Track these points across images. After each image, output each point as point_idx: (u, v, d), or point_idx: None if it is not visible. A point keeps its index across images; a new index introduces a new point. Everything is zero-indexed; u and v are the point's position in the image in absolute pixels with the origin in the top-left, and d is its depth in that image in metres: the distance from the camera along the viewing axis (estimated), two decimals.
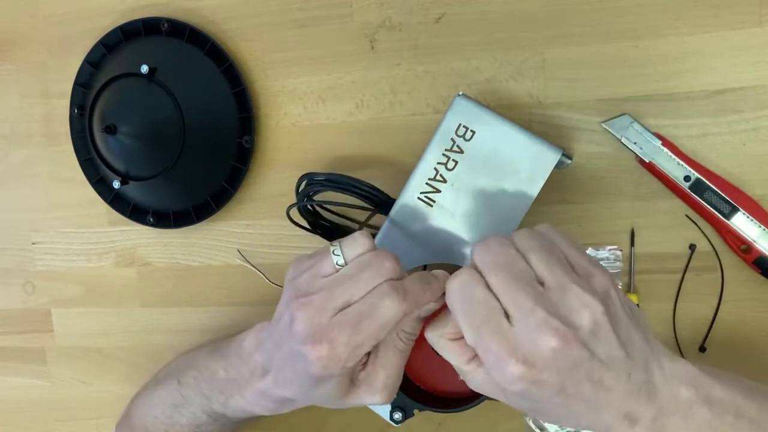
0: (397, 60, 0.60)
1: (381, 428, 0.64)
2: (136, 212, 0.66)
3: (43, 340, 0.73)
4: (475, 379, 0.41)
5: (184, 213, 0.65)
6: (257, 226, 0.65)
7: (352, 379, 0.44)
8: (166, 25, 0.63)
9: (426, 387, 0.57)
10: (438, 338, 0.42)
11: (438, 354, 0.43)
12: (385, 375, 0.44)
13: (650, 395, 0.39)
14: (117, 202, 0.67)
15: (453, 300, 0.39)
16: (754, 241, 0.53)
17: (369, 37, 0.60)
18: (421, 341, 0.44)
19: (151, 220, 0.66)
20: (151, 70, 0.61)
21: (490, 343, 0.37)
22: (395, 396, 0.46)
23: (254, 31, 0.63)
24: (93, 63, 0.65)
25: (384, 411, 0.47)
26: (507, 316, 0.37)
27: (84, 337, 0.72)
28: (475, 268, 0.39)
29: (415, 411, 0.51)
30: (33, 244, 0.72)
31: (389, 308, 0.41)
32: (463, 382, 0.43)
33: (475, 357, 0.40)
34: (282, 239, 0.64)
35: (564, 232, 0.41)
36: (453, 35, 0.58)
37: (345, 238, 0.44)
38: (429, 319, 0.43)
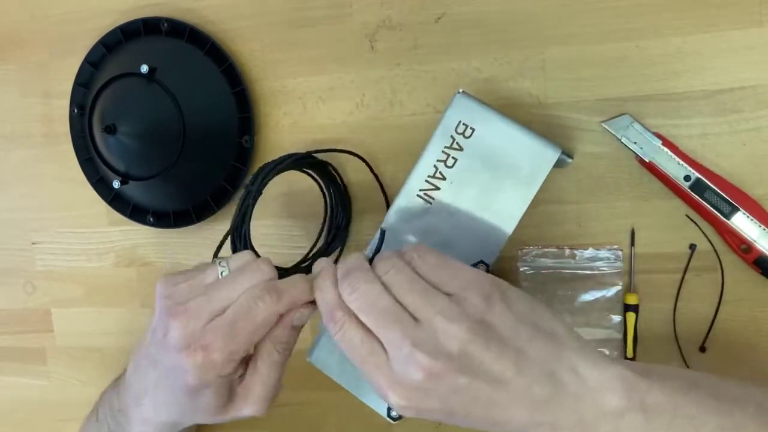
0: (397, 60, 0.60)
1: (380, 428, 0.64)
2: (136, 212, 0.66)
3: (43, 340, 0.73)
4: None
5: (184, 213, 0.65)
6: (257, 226, 0.65)
7: (230, 391, 0.44)
8: (166, 25, 0.63)
9: None
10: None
11: None
12: (263, 387, 0.44)
13: (564, 406, 0.38)
14: (117, 202, 0.67)
15: (339, 343, 0.40)
16: (754, 241, 0.53)
17: (369, 37, 0.60)
18: None
19: (151, 220, 0.66)
20: (151, 70, 0.61)
21: (372, 377, 0.39)
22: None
23: (254, 31, 0.63)
24: (93, 63, 0.65)
25: (382, 408, 0.47)
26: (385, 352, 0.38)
27: (84, 337, 0.72)
28: (342, 316, 0.40)
29: None
30: (33, 244, 0.72)
31: (263, 309, 0.41)
32: None
33: None
34: (282, 239, 0.64)
35: (432, 250, 0.41)
36: (453, 35, 0.58)
37: (232, 255, 0.46)
38: None
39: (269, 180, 0.53)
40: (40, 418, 0.75)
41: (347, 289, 0.40)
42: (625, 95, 0.55)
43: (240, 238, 0.54)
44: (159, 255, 0.68)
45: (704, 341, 0.56)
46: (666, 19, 0.54)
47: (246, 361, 0.44)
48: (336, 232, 0.60)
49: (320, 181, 0.60)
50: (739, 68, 0.53)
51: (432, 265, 0.40)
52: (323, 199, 0.60)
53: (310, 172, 0.59)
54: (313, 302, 0.43)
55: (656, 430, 0.38)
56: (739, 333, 0.56)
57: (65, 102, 0.67)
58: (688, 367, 0.56)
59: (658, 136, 0.54)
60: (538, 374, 0.38)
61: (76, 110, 0.66)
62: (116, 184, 0.63)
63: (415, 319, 0.38)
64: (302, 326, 0.45)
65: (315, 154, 0.58)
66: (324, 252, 0.60)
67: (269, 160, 0.54)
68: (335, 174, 0.60)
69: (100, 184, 0.67)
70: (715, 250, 0.55)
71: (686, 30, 0.54)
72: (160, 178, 0.62)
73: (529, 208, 0.58)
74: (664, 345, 0.57)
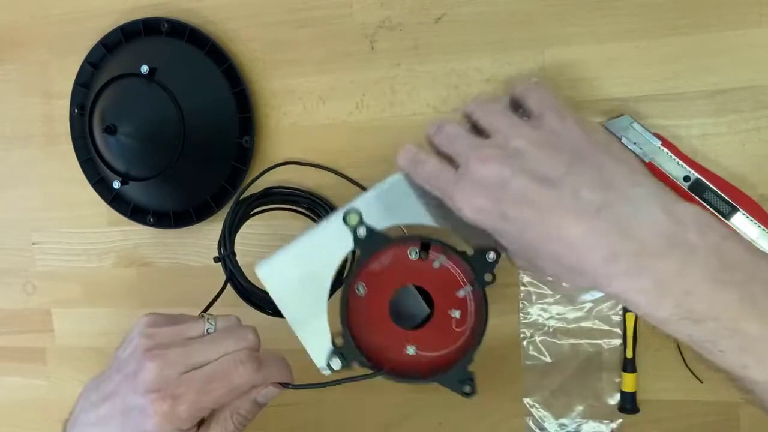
0: (397, 60, 0.60)
1: (380, 428, 0.64)
2: (136, 212, 0.66)
3: (43, 340, 0.73)
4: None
5: (184, 213, 0.65)
6: (257, 226, 0.65)
7: None
8: (166, 25, 0.63)
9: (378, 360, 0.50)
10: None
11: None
12: None
13: (621, 224, 0.35)
14: (117, 202, 0.67)
15: (410, 173, 0.44)
16: (754, 242, 0.53)
17: (369, 37, 0.60)
18: (377, 321, 0.47)
19: (151, 220, 0.66)
20: (151, 71, 0.61)
21: (442, 187, 0.41)
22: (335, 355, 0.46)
23: (254, 31, 0.63)
24: (93, 63, 0.65)
25: (320, 355, 0.46)
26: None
27: (84, 337, 0.72)
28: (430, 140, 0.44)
29: (355, 364, 0.47)
30: (33, 244, 0.72)
31: (242, 374, 0.42)
32: (413, 358, 0.47)
33: None
34: (282, 239, 0.64)
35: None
36: (453, 35, 0.58)
37: (221, 315, 0.47)
38: None
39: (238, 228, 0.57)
40: (40, 418, 0.75)
41: (432, 124, 0.44)
42: (625, 95, 0.55)
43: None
44: (159, 255, 0.68)
45: None
46: (666, 19, 0.54)
47: (200, 422, 0.44)
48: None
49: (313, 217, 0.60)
50: (739, 68, 0.53)
51: (536, 98, 0.42)
52: None
53: (301, 210, 0.60)
54: (283, 384, 0.45)
55: (729, 283, 0.35)
56: None
57: (65, 102, 0.67)
58: (687, 366, 0.56)
59: (658, 136, 0.54)
60: (589, 180, 0.37)
61: (76, 110, 0.66)
62: (116, 184, 0.63)
63: (487, 133, 0.41)
64: (263, 406, 0.45)
65: (291, 164, 0.60)
66: None
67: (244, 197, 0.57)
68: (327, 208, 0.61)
69: (100, 185, 0.67)
70: None
71: (686, 30, 0.54)
72: (160, 179, 0.62)
73: None
74: (663, 345, 0.57)
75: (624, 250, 0.35)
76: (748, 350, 0.35)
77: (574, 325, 0.58)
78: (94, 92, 0.63)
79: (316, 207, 0.61)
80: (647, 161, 0.54)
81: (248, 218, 0.60)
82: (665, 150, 0.54)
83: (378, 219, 0.47)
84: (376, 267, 0.48)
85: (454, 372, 0.46)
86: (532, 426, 0.60)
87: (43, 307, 0.73)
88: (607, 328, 0.58)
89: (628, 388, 0.57)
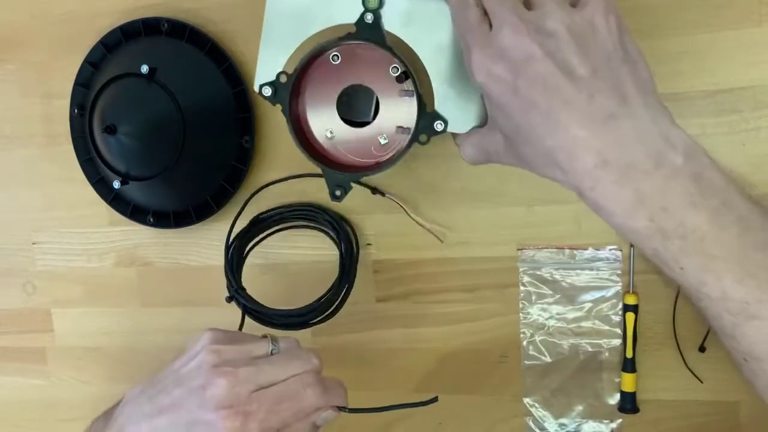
0: None
1: (380, 428, 0.64)
2: (136, 212, 0.66)
3: (43, 340, 0.73)
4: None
5: (184, 213, 0.65)
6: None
7: None
8: (166, 25, 0.63)
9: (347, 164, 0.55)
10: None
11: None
12: None
13: (622, 136, 0.38)
14: (117, 202, 0.67)
15: (454, 13, 0.44)
16: None
17: None
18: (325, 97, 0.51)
19: (151, 220, 0.66)
20: (151, 70, 0.61)
21: (467, 35, 0.41)
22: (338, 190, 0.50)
23: (254, 31, 0.62)
24: (93, 63, 0.65)
25: (261, 78, 0.50)
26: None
27: (84, 337, 0.72)
28: None
29: (352, 184, 0.51)
30: (33, 244, 0.72)
31: (310, 396, 0.44)
32: (331, 144, 0.51)
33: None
34: (282, 239, 0.64)
35: None
36: None
37: (282, 337, 0.48)
38: None
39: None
40: (40, 418, 0.75)
41: None
42: None
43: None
44: (159, 255, 0.68)
45: (704, 341, 0.56)
46: (666, 19, 0.54)
47: None
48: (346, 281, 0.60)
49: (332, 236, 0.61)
50: (739, 68, 0.53)
51: None
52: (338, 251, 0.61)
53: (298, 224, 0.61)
54: (340, 408, 0.47)
55: (704, 208, 0.38)
56: None
57: (65, 102, 0.67)
58: (687, 366, 0.56)
59: None
60: (608, 88, 0.38)
61: (76, 110, 0.66)
62: (116, 184, 0.63)
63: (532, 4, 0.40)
64: (319, 429, 0.47)
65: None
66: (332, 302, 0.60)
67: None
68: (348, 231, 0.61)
69: (100, 184, 0.67)
70: None
71: (686, 30, 0.54)
72: (161, 179, 0.62)
73: (528, 208, 0.59)
74: (663, 345, 0.57)
75: (616, 161, 0.38)
76: (708, 270, 0.38)
77: (574, 325, 0.58)
78: (94, 92, 0.63)
79: (312, 215, 0.62)
80: None
81: (247, 254, 0.62)
82: None
83: (394, 22, 0.48)
84: (357, 52, 0.51)
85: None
86: (532, 426, 0.60)
87: (43, 307, 0.73)
88: (607, 328, 0.58)
89: (628, 388, 0.57)
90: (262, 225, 0.62)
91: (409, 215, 0.59)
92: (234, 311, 0.67)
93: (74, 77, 0.66)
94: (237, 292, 0.59)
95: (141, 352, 0.70)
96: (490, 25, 0.41)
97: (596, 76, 0.38)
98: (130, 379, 0.70)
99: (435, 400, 0.48)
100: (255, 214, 0.63)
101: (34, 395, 0.74)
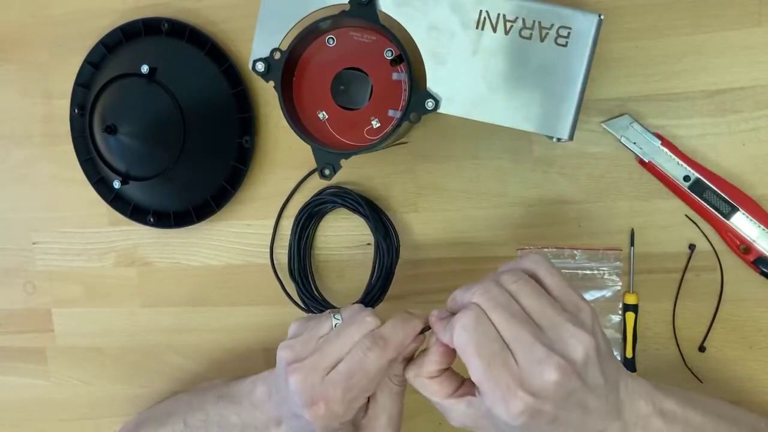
0: None
1: None
2: (136, 212, 0.66)
3: (43, 340, 0.73)
4: (455, 412, 0.44)
5: (184, 213, 0.65)
6: (257, 226, 0.65)
7: (355, 425, 0.47)
8: (166, 25, 0.63)
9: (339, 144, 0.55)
10: (416, 378, 0.45)
11: None
12: (387, 417, 0.47)
13: (619, 412, 0.42)
14: (117, 202, 0.67)
15: (464, 337, 0.40)
16: (754, 241, 0.53)
17: None
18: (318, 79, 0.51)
19: (152, 220, 0.66)
20: (152, 70, 0.61)
21: (500, 375, 0.39)
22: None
23: (254, 31, 0.63)
24: (93, 63, 0.65)
25: (257, 53, 0.51)
26: (511, 352, 0.39)
27: (84, 337, 0.72)
28: (477, 308, 0.41)
29: (342, 161, 0.52)
30: (33, 244, 0.72)
31: (373, 360, 0.44)
32: (322, 126, 0.52)
33: (455, 392, 0.44)
34: (282, 239, 0.64)
35: (549, 263, 0.44)
36: None
37: (347, 307, 0.49)
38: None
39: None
40: (40, 418, 0.75)
41: (479, 290, 0.41)
42: (625, 95, 0.55)
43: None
44: (159, 255, 0.68)
45: (704, 341, 0.56)
46: (666, 19, 0.54)
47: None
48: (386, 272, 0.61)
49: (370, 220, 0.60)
50: (739, 68, 0.53)
51: (551, 277, 0.43)
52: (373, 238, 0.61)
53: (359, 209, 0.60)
54: (420, 334, 0.46)
55: None
56: (739, 333, 0.56)
57: (65, 102, 0.67)
58: (687, 366, 0.57)
59: (658, 136, 0.54)
60: (612, 383, 0.41)
61: (76, 110, 0.66)
62: (117, 184, 0.63)
63: (539, 325, 0.40)
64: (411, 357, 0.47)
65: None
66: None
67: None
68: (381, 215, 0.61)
69: (100, 184, 0.67)
70: (715, 250, 0.55)
71: (686, 30, 0.54)
72: (161, 178, 0.62)
73: (528, 208, 0.59)
74: (663, 345, 0.57)
75: None
76: None
77: None
78: (94, 92, 0.63)
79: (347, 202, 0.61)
80: (647, 161, 0.54)
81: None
82: (665, 150, 0.54)
83: (389, 2, 0.49)
84: (352, 35, 0.51)
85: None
86: None
87: (43, 307, 0.73)
88: (607, 328, 0.58)
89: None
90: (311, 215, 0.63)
91: None
92: (233, 311, 0.68)
93: (74, 77, 0.66)
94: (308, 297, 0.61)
95: (141, 352, 0.70)
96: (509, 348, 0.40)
97: (608, 381, 0.41)
98: (130, 379, 0.71)
99: None
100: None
101: (34, 395, 0.74)
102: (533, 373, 0.38)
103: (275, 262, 0.64)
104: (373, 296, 0.60)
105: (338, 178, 0.59)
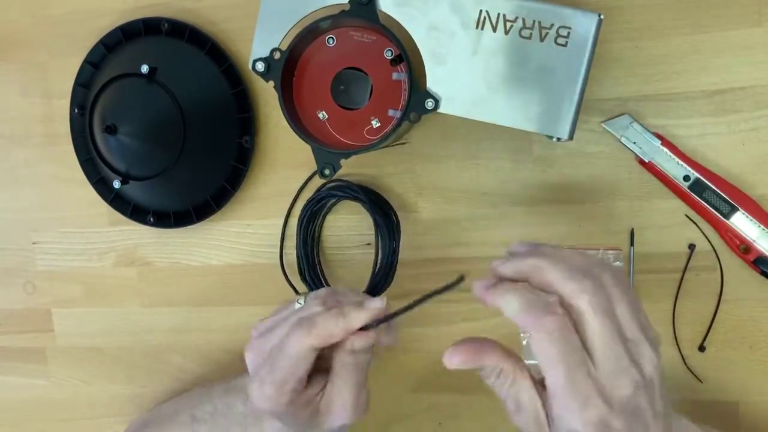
0: None
1: (380, 427, 0.64)
2: (136, 212, 0.66)
3: (43, 340, 0.73)
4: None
5: (184, 213, 0.65)
6: (257, 226, 0.65)
7: (312, 408, 0.45)
8: (166, 25, 0.63)
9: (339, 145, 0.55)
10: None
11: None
12: (343, 398, 0.45)
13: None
14: (117, 201, 0.67)
15: (550, 343, 0.37)
16: (754, 241, 0.53)
17: None
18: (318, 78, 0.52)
19: (152, 220, 0.66)
20: (152, 70, 0.61)
21: (581, 385, 0.37)
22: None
23: (254, 31, 0.63)
24: (93, 63, 0.65)
25: (258, 53, 0.52)
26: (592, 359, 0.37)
27: (84, 337, 0.72)
28: (578, 310, 0.38)
29: (342, 161, 0.52)
30: (33, 244, 0.72)
31: (295, 344, 0.43)
32: (322, 126, 0.52)
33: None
34: (288, 239, 0.64)
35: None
36: None
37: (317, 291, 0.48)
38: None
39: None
40: (40, 418, 0.75)
41: (589, 290, 0.38)
42: (625, 95, 0.55)
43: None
44: (159, 255, 0.68)
45: (703, 341, 0.56)
46: (666, 19, 0.54)
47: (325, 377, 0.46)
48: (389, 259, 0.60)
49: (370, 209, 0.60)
50: (739, 68, 0.53)
51: (629, 290, 0.40)
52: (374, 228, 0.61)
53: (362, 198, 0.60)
54: (368, 329, 0.44)
55: None
56: (739, 333, 0.56)
57: (65, 102, 0.67)
58: (687, 366, 0.57)
59: (658, 136, 0.54)
60: (669, 415, 0.40)
61: (76, 110, 0.66)
62: (117, 184, 0.63)
63: (625, 336, 0.38)
64: (366, 348, 0.45)
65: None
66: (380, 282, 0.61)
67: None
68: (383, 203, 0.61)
69: (100, 184, 0.67)
70: (715, 250, 0.55)
71: (686, 30, 0.54)
72: (161, 178, 0.62)
73: (528, 208, 0.59)
74: (663, 345, 0.57)
75: None
76: None
77: None
78: (94, 92, 0.63)
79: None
80: (647, 161, 0.54)
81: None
82: (665, 149, 0.54)
83: (389, 1, 0.49)
84: (352, 35, 0.51)
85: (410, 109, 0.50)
86: None
87: (43, 307, 0.73)
88: None
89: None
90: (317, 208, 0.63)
91: None
92: (233, 311, 0.68)
93: (74, 77, 0.66)
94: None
95: (141, 352, 0.70)
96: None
97: (666, 406, 0.40)
98: (130, 379, 0.71)
99: (461, 279, 0.41)
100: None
101: (34, 395, 0.74)
102: (613, 384, 0.37)
103: (283, 264, 0.64)
104: (381, 278, 0.60)
105: (338, 177, 0.59)
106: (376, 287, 0.60)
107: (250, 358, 0.46)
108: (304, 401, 0.45)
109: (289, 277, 0.63)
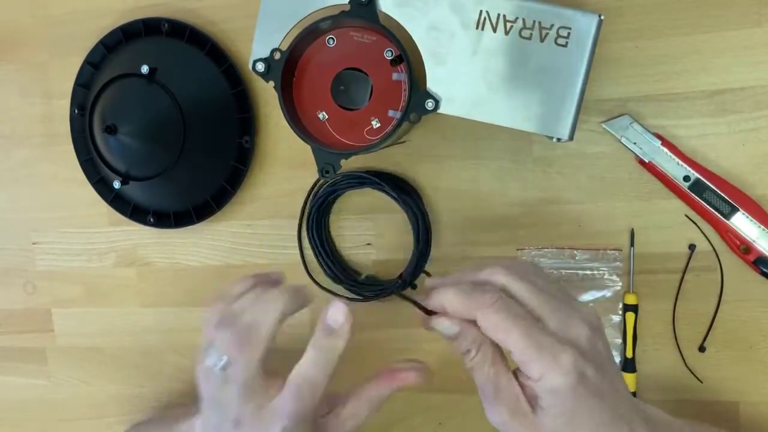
0: None
1: (380, 427, 0.64)
2: (136, 212, 0.66)
3: (43, 340, 0.73)
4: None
5: (184, 213, 0.65)
6: (257, 226, 0.65)
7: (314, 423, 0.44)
8: (166, 25, 0.63)
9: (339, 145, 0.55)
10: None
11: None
12: (354, 423, 0.45)
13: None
14: (117, 202, 0.67)
15: (498, 316, 0.40)
16: (754, 241, 0.53)
17: None
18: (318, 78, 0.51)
19: (152, 220, 0.66)
20: (152, 71, 0.61)
21: (542, 339, 0.39)
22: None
23: (254, 32, 0.63)
24: (93, 63, 0.65)
25: (258, 53, 0.51)
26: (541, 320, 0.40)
27: (84, 337, 0.72)
28: (501, 285, 0.42)
29: (342, 161, 0.52)
30: (33, 244, 0.72)
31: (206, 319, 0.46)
32: (323, 126, 0.52)
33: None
34: (282, 239, 0.64)
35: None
36: None
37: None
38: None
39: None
40: (40, 418, 0.75)
41: (500, 268, 0.42)
42: (625, 95, 0.55)
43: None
44: (159, 255, 0.68)
45: (703, 341, 0.56)
46: (666, 19, 0.54)
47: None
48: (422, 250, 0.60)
49: (399, 198, 0.60)
50: (739, 68, 0.53)
51: (544, 275, 0.44)
52: (408, 218, 0.60)
53: (391, 193, 0.60)
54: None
55: None
56: (739, 333, 0.56)
57: (65, 102, 0.67)
58: (687, 366, 0.57)
59: (658, 136, 0.54)
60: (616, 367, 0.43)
61: (76, 110, 0.66)
62: (117, 184, 0.63)
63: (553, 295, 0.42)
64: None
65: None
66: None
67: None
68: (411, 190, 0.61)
69: (100, 185, 0.67)
70: (715, 251, 0.55)
71: (686, 30, 0.54)
72: (161, 179, 0.62)
73: (528, 208, 0.59)
74: (663, 345, 0.57)
75: None
76: None
77: None
78: (94, 92, 0.63)
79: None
80: (647, 161, 0.54)
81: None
82: (665, 150, 0.54)
83: (389, 2, 0.49)
84: (352, 35, 0.51)
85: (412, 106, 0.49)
86: None
87: (43, 307, 0.73)
88: (607, 328, 0.58)
89: (628, 388, 0.57)
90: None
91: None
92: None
93: (74, 77, 0.66)
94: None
95: (141, 352, 0.70)
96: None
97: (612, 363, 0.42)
98: (130, 379, 0.71)
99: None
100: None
101: (34, 395, 0.74)
102: (568, 329, 0.40)
103: (305, 262, 0.64)
104: (423, 244, 0.60)
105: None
106: (422, 255, 0.60)
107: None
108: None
109: (312, 275, 0.63)
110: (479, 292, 0.41)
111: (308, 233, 0.62)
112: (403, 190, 0.60)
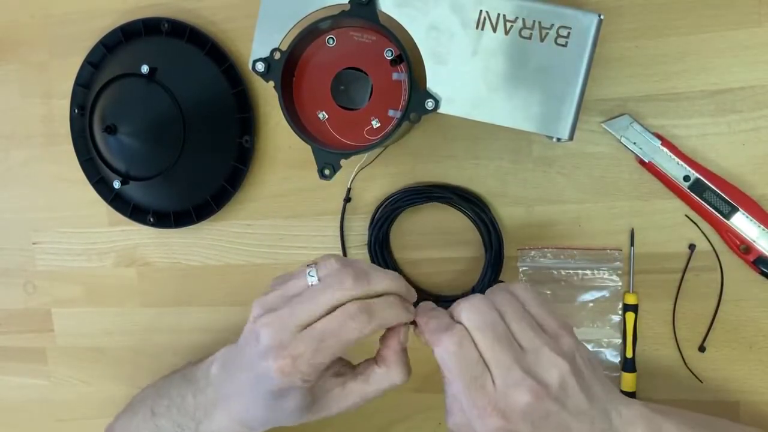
0: None
1: (380, 427, 0.64)
2: (136, 212, 0.66)
3: (43, 340, 0.73)
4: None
5: (184, 213, 0.65)
6: (257, 226, 0.65)
7: (313, 395, 0.46)
8: (166, 25, 0.63)
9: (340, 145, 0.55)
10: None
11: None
12: (358, 398, 0.47)
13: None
14: (117, 202, 0.67)
15: (447, 359, 0.42)
16: (754, 241, 0.53)
17: None
18: (317, 78, 0.52)
19: (152, 220, 0.66)
20: (152, 71, 0.61)
21: (477, 397, 0.41)
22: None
23: (254, 32, 0.63)
24: (93, 63, 0.65)
25: (257, 53, 0.51)
26: (490, 373, 0.41)
27: (84, 337, 0.72)
28: (464, 327, 0.42)
29: (342, 161, 0.52)
30: (33, 244, 0.72)
31: (354, 330, 0.43)
32: (322, 126, 0.52)
33: None
34: (282, 239, 0.65)
35: (535, 292, 0.46)
36: None
37: (319, 259, 0.46)
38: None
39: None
40: (40, 418, 0.75)
41: (467, 308, 0.43)
42: (625, 95, 0.55)
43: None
44: (159, 255, 0.68)
45: (703, 341, 0.56)
46: (666, 19, 0.54)
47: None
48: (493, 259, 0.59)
49: (470, 214, 0.59)
50: (739, 68, 0.53)
51: (536, 303, 0.44)
52: (478, 233, 0.60)
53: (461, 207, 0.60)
54: (408, 323, 0.46)
55: None
56: (739, 333, 0.56)
57: (65, 102, 0.67)
58: (687, 366, 0.57)
59: (658, 136, 0.54)
60: (600, 409, 0.43)
61: (76, 110, 0.66)
62: (117, 184, 0.63)
63: (521, 347, 0.42)
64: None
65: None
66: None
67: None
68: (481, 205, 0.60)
69: (100, 184, 0.67)
70: (715, 250, 0.55)
71: (686, 30, 0.54)
72: (161, 178, 0.62)
73: (528, 208, 0.59)
74: (663, 345, 0.57)
75: None
76: None
77: (574, 325, 0.58)
78: (94, 92, 0.63)
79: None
80: (647, 161, 0.54)
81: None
82: (665, 150, 0.54)
83: (389, 2, 0.49)
84: (352, 35, 0.51)
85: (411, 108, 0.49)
86: None
87: (43, 307, 0.73)
88: (607, 328, 0.58)
89: (628, 387, 0.57)
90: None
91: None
92: (233, 311, 0.68)
93: (74, 77, 0.66)
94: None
95: (141, 352, 0.70)
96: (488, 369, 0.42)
97: (593, 406, 0.42)
98: (130, 379, 0.71)
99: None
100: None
101: (34, 395, 0.74)
102: (508, 395, 0.40)
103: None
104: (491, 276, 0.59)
105: (337, 178, 0.59)
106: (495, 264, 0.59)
107: (270, 333, 0.43)
108: (311, 386, 0.45)
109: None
110: (443, 327, 0.43)
111: (371, 259, 0.62)
112: (468, 201, 0.59)
